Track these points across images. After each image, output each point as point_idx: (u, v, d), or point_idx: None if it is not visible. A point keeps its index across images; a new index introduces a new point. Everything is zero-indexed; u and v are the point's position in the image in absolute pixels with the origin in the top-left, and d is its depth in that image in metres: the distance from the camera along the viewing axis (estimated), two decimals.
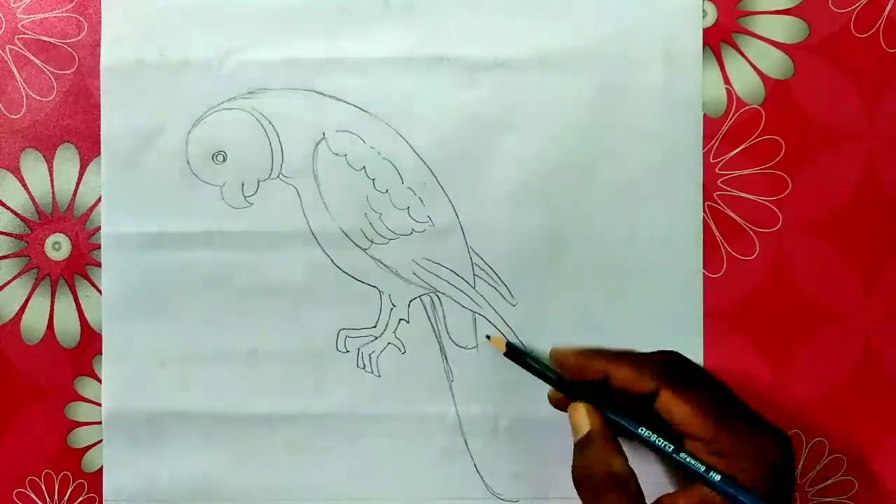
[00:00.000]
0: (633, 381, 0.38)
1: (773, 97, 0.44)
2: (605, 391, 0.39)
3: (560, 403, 0.41)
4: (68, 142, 0.45)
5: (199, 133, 0.44)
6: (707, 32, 0.44)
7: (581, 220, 0.44)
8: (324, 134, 0.44)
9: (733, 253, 0.44)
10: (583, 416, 0.38)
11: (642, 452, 0.40)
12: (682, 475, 0.39)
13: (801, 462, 0.44)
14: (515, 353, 0.42)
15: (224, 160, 0.44)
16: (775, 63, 0.44)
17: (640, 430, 0.38)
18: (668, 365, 0.39)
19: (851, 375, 0.44)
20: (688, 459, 0.37)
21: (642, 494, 0.37)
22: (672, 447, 0.37)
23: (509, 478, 0.44)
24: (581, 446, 0.38)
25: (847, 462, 0.44)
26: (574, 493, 0.38)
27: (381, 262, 0.44)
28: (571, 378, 0.40)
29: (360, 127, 0.44)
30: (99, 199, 0.44)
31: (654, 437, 0.38)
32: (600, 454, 0.37)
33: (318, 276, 0.44)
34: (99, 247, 0.44)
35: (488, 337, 0.43)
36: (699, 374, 0.40)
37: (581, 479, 0.37)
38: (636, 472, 0.37)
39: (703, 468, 0.36)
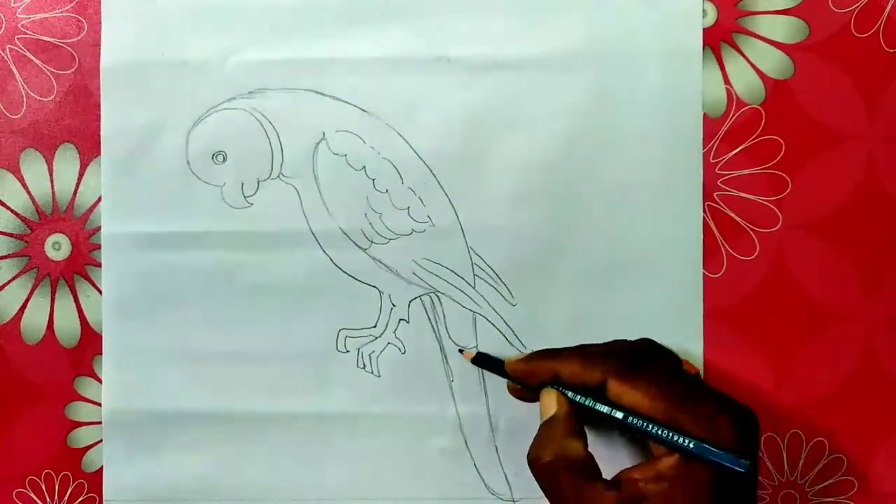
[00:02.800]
0: (580, 374, 0.38)
1: (773, 97, 0.44)
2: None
3: (520, 395, 0.41)
4: (68, 142, 0.45)
5: (199, 133, 0.44)
6: (707, 32, 0.44)
7: (581, 220, 0.44)
8: (324, 134, 0.44)
9: (733, 253, 0.44)
10: (549, 400, 0.39)
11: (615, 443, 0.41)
12: (643, 453, 0.39)
13: (801, 462, 0.44)
14: (482, 362, 0.42)
15: (224, 160, 0.44)
16: (775, 63, 0.44)
17: (598, 406, 0.38)
18: (615, 354, 0.39)
19: (851, 375, 0.44)
20: (652, 427, 0.36)
21: (599, 476, 0.36)
22: (637, 419, 0.37)
23: (509, 478, 0.44)
24: (541, 428, 0.38)
25: (847, 462, 0.44)
26: None
27: (381, 262, 0.44)
28: (529, 384, 0.40)
29: (360, 127, 0.44)
30: (99, 199, 0.44)
31: (613, 412, 0.37)
32: (558, 437, 0.37)
33: (318, 276, 0.44)
34: (99, 247, 0.44)
35: (461, 351, 0.44)
36: (655, 358, 0.40)
37: (532, 459, 0.37)
38: (607, 460, 0.37)
39: (670, 434, 0.36)
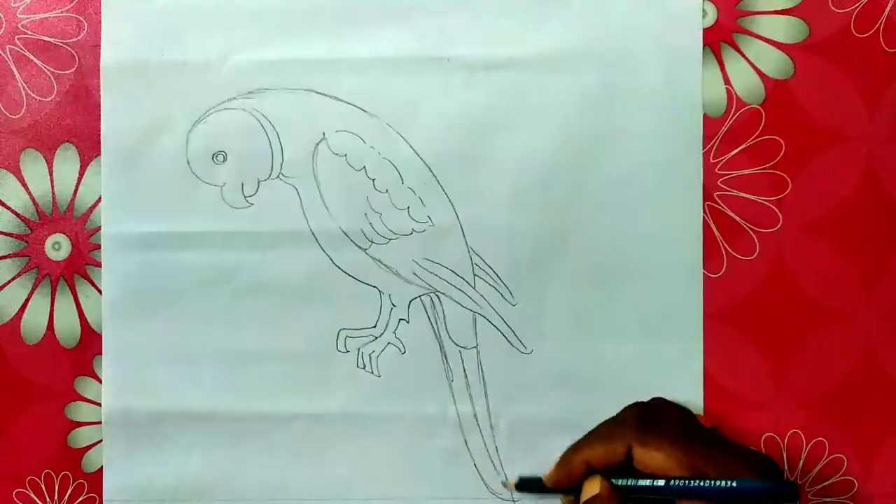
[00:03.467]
0: (608, 455, 0.38)
1: (773, 97, 0.44)
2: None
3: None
4: (68, 142, 0.45)
5: (199, 133, 0.44)
6: (707, 32, 0.44)
7: (581, 220, 0.44)
8: (324, 134, 0.44)
9: (733, 253, 0.44)
10: (593, 484, 0.38)
11: None
12: None
13: (801, 462, 0.44)
14: (527, 487, 0.41)
15: (224, 160, 0.44)
16: (775, 63, 0.44)
17: (639, 482, 0.37)
18: (629, 422, 0.39)
19: (851, 375, 0.44)
20: (692, 482, 0.36)
21: None
22: (677, 480, 0.37)
23: (509, 478, 0.44)
24: None
25: (847, 462, 0.44)
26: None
27: (381, 262, 0.44)
28: (571, 486, 0.40)
29: (360, 127, 0.44)
30: (99, 199, 0.44)
31: (655, 482, 0.37)
32: None
33: (318, 276, 0.44)
34: (99, 247, 0.44)
35: (504, 484, 0.44)
36: (668, 417, 0.40)
37: None
38: None
39: (715, 482, 0.36)
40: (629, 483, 0.38)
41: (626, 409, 0.41)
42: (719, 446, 0.38)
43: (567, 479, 0.39)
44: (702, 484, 0.36)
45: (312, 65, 0.44)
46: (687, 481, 0.36)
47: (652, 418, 0.39)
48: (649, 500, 0.38)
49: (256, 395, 0.44)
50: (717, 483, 0.36)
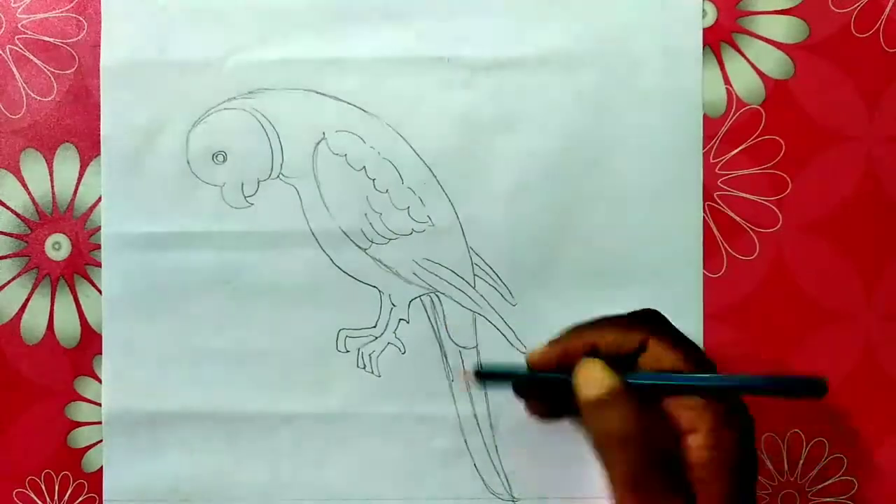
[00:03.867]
0: (620, 342, 0.35)
1: (773, 97, 0.44)
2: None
3: (542, 411, 0.38)
4: (68, 142, 0.45)
5: (199, 133, 0.44)
6: (707, 32, 0.44)
7: (581, 220, 0.44)
8: (324, 134, 0.44)
9: (733, 253, 0.44)
10: (600, 372, 0.34)
11: None
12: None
13: (801, 462, 0.44)
14: (488, 376, 0.39)
15: (224, 160, 0.44)
16: (775, 63, 0.44)
17: (653, 374, 0.34)
18: (646, 317, 0.37)
19: (851, 375, 0.44)
20: (719, 378, 0.34)
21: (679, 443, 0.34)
22: (705, 375, 0.34)
23: (509, 478, 0.44)
24: (602, 406, 0.34)
25: (847, 462, 0.44)
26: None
27: (381, 262, 0.44)
28: (559, 370, 0.36)
29: (360, 127, 0.44)
30: (99, 199, 0.44)
31: (685, 380, 0.34)
32: (631, 412, 0.33)
33: (318, 276, 0.44)
34: (99, 247, 0.44)
35: (466, 372, 0.43)
36: (676, 329, 0.38)
37: (611, 443, 0.33)
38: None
39: (738, 378, 0.34)
40: (644, 381, 0.34)
41: (638, 311, 0.37)
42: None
43: (558, 359, 0.36)
44: (733, 381, 0.34)
45: (312, 65, 0.44)
46: (712, 376, 0.34)
47: (664, 321, 0.37)
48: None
49: (256, 395, 0.44)
50: (744, 379, 0.34)
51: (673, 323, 0.37)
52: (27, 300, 0.45)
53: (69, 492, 0.45)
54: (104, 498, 0.45)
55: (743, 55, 0.44)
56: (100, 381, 0.44)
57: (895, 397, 0.44)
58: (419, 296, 0.44)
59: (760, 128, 0.44)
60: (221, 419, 0.44)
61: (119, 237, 0.44)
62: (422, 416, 0.44)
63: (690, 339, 0.36)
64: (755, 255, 0.44)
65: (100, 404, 0.45)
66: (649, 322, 0.37)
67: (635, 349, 0.35)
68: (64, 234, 0.45)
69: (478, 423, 0.44)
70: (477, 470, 0.44)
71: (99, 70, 0.44)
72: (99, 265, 0.44)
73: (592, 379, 0.34)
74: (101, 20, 0.44)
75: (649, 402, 0.34)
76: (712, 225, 0.44)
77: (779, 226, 0.44)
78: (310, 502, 0.44)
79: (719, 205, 0.44)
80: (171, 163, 0.44)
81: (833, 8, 0.43)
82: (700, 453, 0.33)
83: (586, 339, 0.36)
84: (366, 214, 0.44)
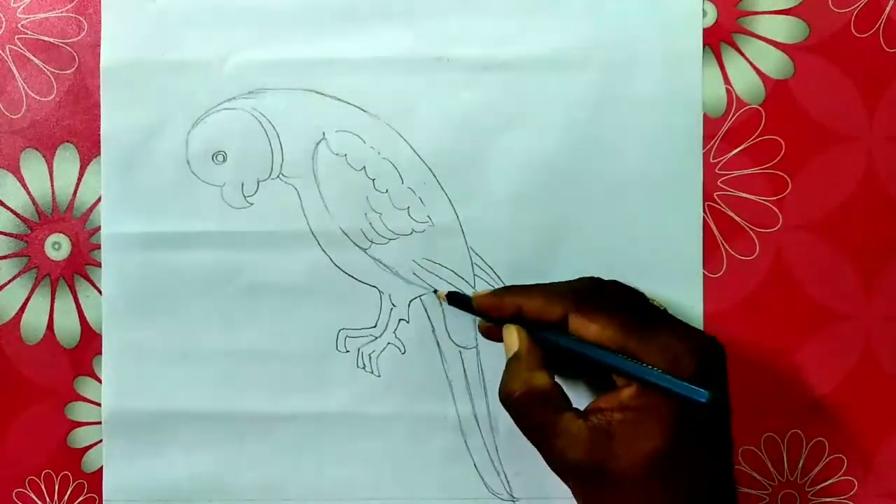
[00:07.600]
0: (543, 308, 0.38)
1: (773, 97, 0.44)
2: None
3: (490, 333, 0.42)
4: (68, 142, 0.45)
5: (199, 133, 0.44)
6: (707, 32, 0.44)
7: (581, 220, 0.44)
8: (324, 134, 0.44)
9: (733, 253, 0.44)
10: (511, 337, 0.39)
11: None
12: (609, 387, 0.38)
13: (801, 462, 0.44)
14: (455, 301, 0.42)
15: (224, 160, 0.44)
16: (775, 63, 0.44)
17: (562, 339, 0.37)
18: (577, 291, 0.39)
19: (851, 375, 0.44)
20: (608, 358, 0.36)
21: (569, 406, 0.37)
22: (594, 350, 0.36)
23: (509, 478, 0.44)
24: (507, 365, 0.38)
25: (847, 462, 0.44)
26: None
27: (381, 262, 0.44)
28: (495, 318, 0.40)
29: (360, 127, 0.44)
30: (99, 199, 0.44)
31: (571, 343, 0.37)
32: (524, 371, 0.38)
33: (318, 276, 0.44)
34: (99, 247, 0.44)
35: (435, 292, 0.44)
36: (618, 294, 0.40)
37: (504, 396, 0.38)
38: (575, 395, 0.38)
39: (626, 365, 0.35)
40: (554, 338, 0.38)
41: (578, 279, 0.40)
42: (662, 325, 0.37)
43: (493, 309, 0.40)
44: (615, 362, 0.36)
45: (312, 65, 0.44)
46: (603, 355, 0.36)
47: (597, 291, 0.39)
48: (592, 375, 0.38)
49: (256, 395, 0.44)
50: (629, 367, 0.35)
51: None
52: (27, 300, 0.45)
53: (69, 492, 0.45)
54: (104, 498, 0.45)
55: (743, 55, 0.44)
56: (100, 381, 0.44)
57: (895, 397, 0.44)
58: (419, 296, 0.44)
59: (760, 128, 0.44)
60: (221, 419, 0.44)
61: (119, 237, 0.44)
62: (422, 416, 0.44)
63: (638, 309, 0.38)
64: (755, 255, 0.44)
65: (100, 404, 0.45)
66: (580, 293, 0.38)
67: (558, 319, 0.38)
68: (64, 234, 0.45)
69: (478, 423, 0.44)
70: (477, 470, 0.44)
71: (99, 70, 0.44)
72: (99, 265, 0.44)
73: (506, 344, 0.39)
74: (101, 20, 0.44)
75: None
76: (712, 225, 0.44)
77: (779, 226, 0.44)
78: (310, 502, 0.44)
79: (719, 205, 0.44)
80: (170, 163, 0.44)
81: (833, 8, 0.43)
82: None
83: (517, 300, 0.39)
84: (366, 214, 0.44)
